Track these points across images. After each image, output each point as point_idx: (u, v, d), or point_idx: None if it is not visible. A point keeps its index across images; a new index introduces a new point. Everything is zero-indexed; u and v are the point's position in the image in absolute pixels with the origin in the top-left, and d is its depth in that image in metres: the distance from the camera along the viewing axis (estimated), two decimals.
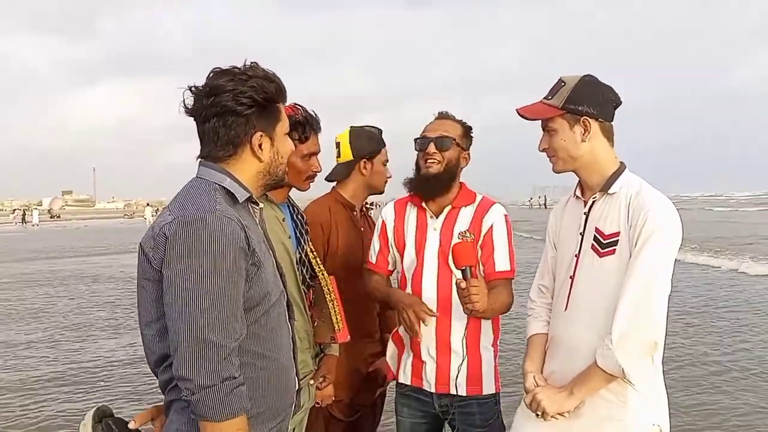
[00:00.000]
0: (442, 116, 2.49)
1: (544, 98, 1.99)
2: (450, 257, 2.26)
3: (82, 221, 64.06)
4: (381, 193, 2.89)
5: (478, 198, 2.48)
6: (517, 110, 2.01)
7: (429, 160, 2.40)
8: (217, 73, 1.60)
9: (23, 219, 56.69)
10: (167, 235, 1.48)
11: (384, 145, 2.83)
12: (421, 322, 2.34)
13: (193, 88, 1.60)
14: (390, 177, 2.84)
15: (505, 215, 2.46)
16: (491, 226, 2.40)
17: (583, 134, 1.94)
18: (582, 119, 1.93)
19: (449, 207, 2.44)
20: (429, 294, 2.39)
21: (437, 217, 2.44)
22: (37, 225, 54.92)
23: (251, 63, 1.62)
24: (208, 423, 1.44)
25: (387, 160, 2.84)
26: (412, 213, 2.51)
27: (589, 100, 1.93)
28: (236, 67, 1.60)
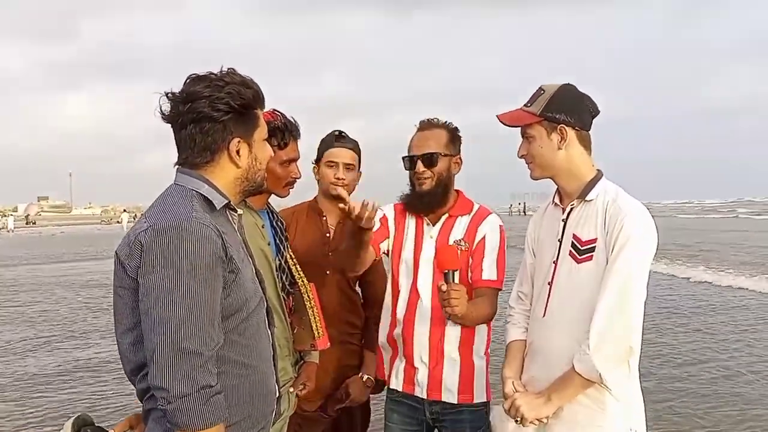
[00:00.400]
0: (424, 126, 2.46)
1: (524, 105, 2.01)
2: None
3: (58, 227, 63.15)
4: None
5: (475, 207, 2.48)
6: (497, 116, 2.03)
7: (420, 179, 2.40)
8: (194, 80, 1.59)
9: None
10: (143, 243, 1.46)
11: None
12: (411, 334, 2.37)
13: (169, 95, 1.59)
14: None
15: (500, 226, 2.46)
16: (484, 236, 2.40)
17: (560, 142, 1.96)
18: (559, 127, 1.95)
19: (446, 215, 2.45)
20: (424, 301, 2.39)
21: (434, 225, 2.45)
22: (12, 231, 53.99)
23: (228, 69, 1.61)
24: None
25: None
26: (411, 219, 2.51)
27: (566, 109, 1.95)
28: (213, 74, 1.59)
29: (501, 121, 2.03)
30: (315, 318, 2.36)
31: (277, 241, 2.39)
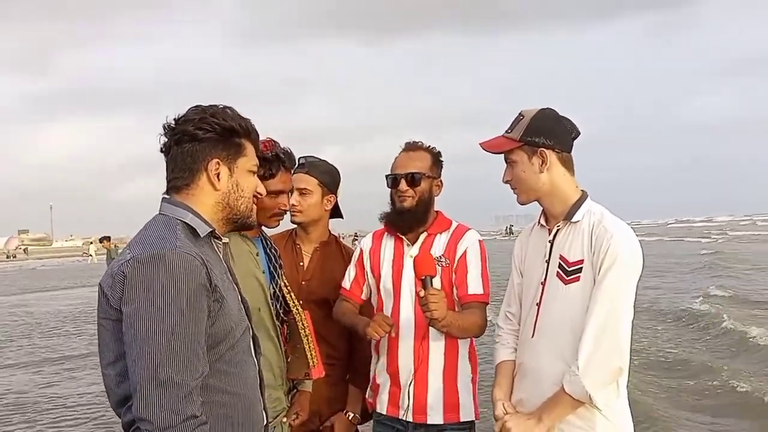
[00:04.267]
0: (410, 147, 2.52)
1: (505, 132, 2.04)
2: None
3: (38, 260, 62.09)
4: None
5: (453, 225, 2.51)
6: (479, 144, 2.07)
7: (402, 196, 2.44)
8: (190, 108, 1.63)
9: None
10: (126, 274, 1.46)
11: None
12: (397, 341, 2.37)
13: (165, 125, 1.62)
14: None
15: (480, 241, 2.49)
16: (465, 251, 2.42)
17: (541, 165, 1.98)
18: (539, 150, 1.97)
19: (425, 234, 2.47)
20: (406, 321, 2.40)
21: (413, 245, 2.47)
22: None
23: (228, 107, 1.65)
24: None
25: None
26: (389, 242, 2.54)
27: (546, 132, 1.98)
28: (213, 105, 1.64)
29: (484, 149, 2.06)
30: (310, 346, 2.34)
31: (272, 269, 2.38)
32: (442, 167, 2.55)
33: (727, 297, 13.00)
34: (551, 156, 1.98)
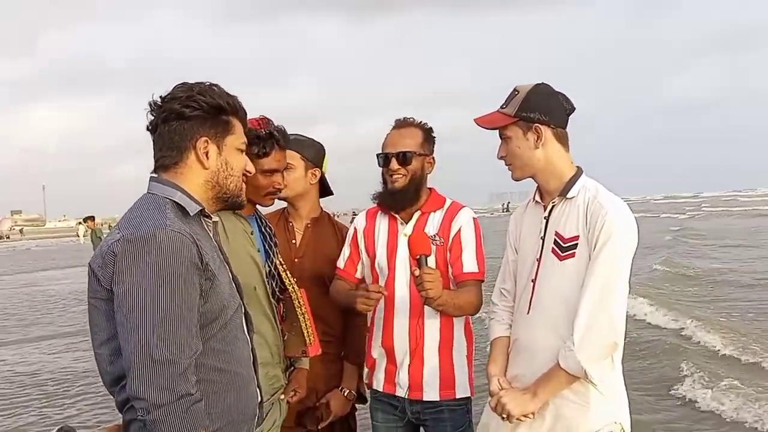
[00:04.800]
0: (400, 124, 2.48)
1: (500, 107, 2.02)
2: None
3: (32, 241, 62.02)
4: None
5: (447, 203, 2.49)
6: (474, 120, 2.05)
7: (394, 176, 2.41)
8: (176, 86, 1.61)
9: None
10: (116, 253, 1.45)
11: None
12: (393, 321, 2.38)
13: (151, 103, 1.60)
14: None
15: (474, 218, 2.47)
16: (459, 229, 2.41)
17: (536, 141, 1.97)
18: (534, 126, 1.96)
19: (418, 213, 2.45)
20: (401, 299, 2.40)
21: (407, 223, 2.45)
22: None
23: (214, 84, 1.63)
24: None
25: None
26: (383, 221, 2.52)
27: (541, 108, 1.96)
28: (198, 82, 1.62)
29: (478, 124, 2.04)
30: (306, 324, 2.34)
31: (266, 247, 2.37)
32: (434, 143, 2.51)
33: (662, 271, 13.49)
34: (546, 132, 1.97)
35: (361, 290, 2.36)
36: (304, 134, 2.72)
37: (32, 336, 9.98)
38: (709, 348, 7.17)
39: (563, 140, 2.01)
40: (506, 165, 2.06)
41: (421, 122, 2.50)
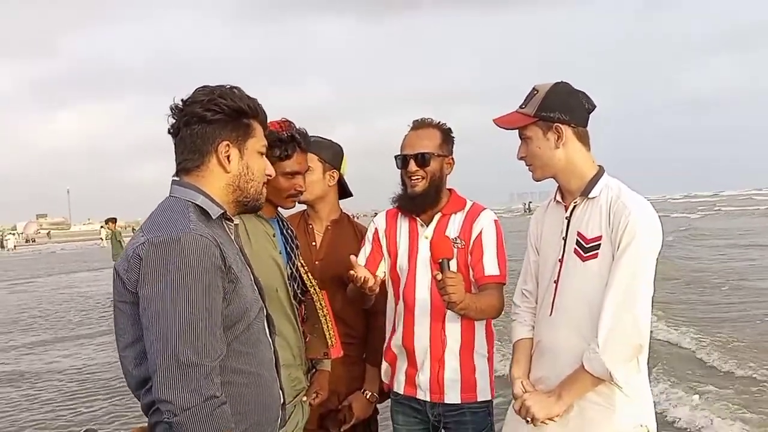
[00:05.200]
0: (418, 125, 2.46)
1: (519, 107, 2.00)
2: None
3: (57, 245, 63.06)
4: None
5: (468, 204, 2.46)
6: (493, 120, 2.03)
7: (413, 178, 2.39)
8: (197, 89, 1.61)
9: (1, 244, 55.58)
10: (141, 257, 1.46)
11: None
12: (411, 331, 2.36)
13: (172, 106, 1.61)
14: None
15: (495, 221, 2.44)
16: (480, 232, 2.38)
17: (557, 140, 1.94)
18: (554, 126, 1.93)
19: (439, 215, 2.43)
20: (422, 302, 2.38)
21: (427, 226, 2.43)
22: (12, 250, 53.90)
23: (235, 87, 1.64)
24: None
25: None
26: (403, 222, 2.50)
27: (561, 107, 1.93)
28: (220, 86, 1.62)
29: (497, 125, 2.02)
30: (328, 326, 2.34)
31: (288, 250, 2.37)
32: (453, 143, 2.48)
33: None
34: (567, 131, 1.94)
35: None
36: (323, 136, 2.71)
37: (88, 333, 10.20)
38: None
39: (584, 139, 1.98)
40: (527, 165, 2.03)
41: (439, 123, 2.47)
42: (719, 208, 52.86)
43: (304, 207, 2.75)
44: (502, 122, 2.02)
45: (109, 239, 16.88)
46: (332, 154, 2.67)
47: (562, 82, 2.00)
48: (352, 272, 2.26)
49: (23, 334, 10.63)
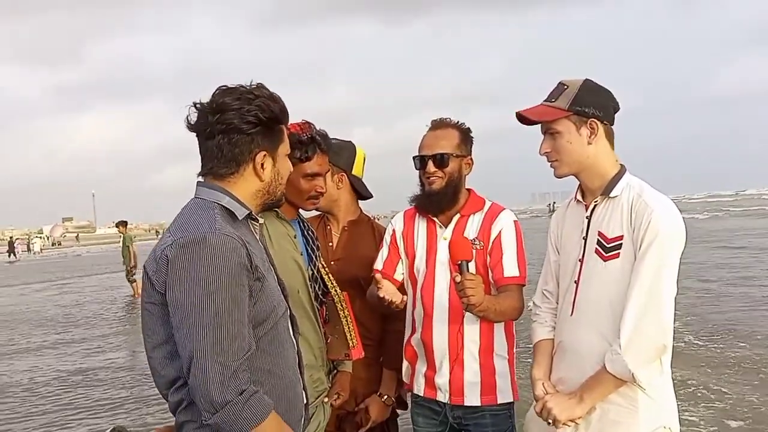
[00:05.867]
0: (436, 125, 2.44)
1: (546, 101, 1.95)
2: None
3: (83, 248, 63.94)
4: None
5: (487, 205, 2.44)
6: (519, 112, 1.97)
7: (431, 178, 2.38)
8: (224, 91, 1.60)
9: (27, 248, 56.29)
10: (169, 257, 1.48)
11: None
12: (431, 330, 2.35)
13: (198, 104, 1.60)
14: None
15: (515, 221, 2.40)
16: (500, 232, 2.35)
17: (590, 136, 1.91)
18: (589, 121, 1.90)
19: (458, 216, 2.41)
20: (440, 303, 2.36)
21: (446, 227, 2.41)
22: (38, 253, 54.76)
23: (257, 83, 1.63)
24: None
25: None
26: (421, 223, 2.49)
27: (594, 103, 1.91)
28: (242, 86, 1.61)
29: (523, 117, 1.96)
30: (349, 327, 2.34)
31: (309, 251, 2.37)
32: (472, 143, 2.46)
33: None
34: (600, 127, 1.91)
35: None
36: (339, 137, 2.68)
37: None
38: None
39: (611, 138, 1.96)
40: (550, 161, 1.98)
41: (458, 123, 2.45)
42: (728, 209, 51.42)
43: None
44: (533, 114, 1.95)
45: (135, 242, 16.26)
46: (341, 157, 2.65)
47: (588, 79, 1.96)
48: (378, 282, 2.26)
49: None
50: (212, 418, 1.43)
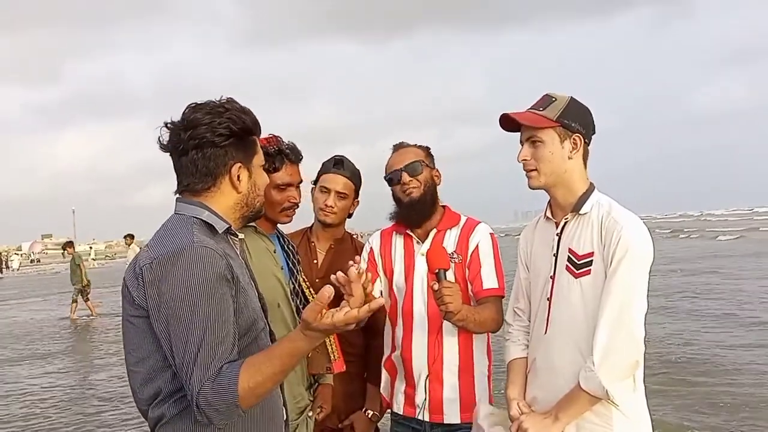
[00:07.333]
0: (398, 147, 2.49)
1: (533, 109, 1.95)
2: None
3: (62, 264, 62.75)
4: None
5: (463, 219, 2.45)
6: (505, 114, 1.95)
7: (407, 189, 2.39)
8: (194, 108, 1.59)
9: (6, 265, 54.97)
10: (147, 271, 1.46)
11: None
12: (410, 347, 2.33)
13: (169, 124, 1.59)
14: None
15: (491, 234, 2.42)
16: (477, 245, 2.36)
17: (572, 151, 1.91)
18: (574, 136, 1.91)
19: (434, 231, 2.42)
20: (420, 318, 2.36)
21: (423, 242, 2.42)
22: (16, 270, 53.63)
23: (227, 98, 1.62)
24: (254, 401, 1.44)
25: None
26: (398, 240, 2.49)
27: (579, 119, 1.92)
28: (212, 101, 1.61)
29: (508, 120, 1.94)
30: (330, 341, 2.31)
31: (290, 265, 2.36)
32: (433, 160, 2.51)
33: None
34: (581, 144, 1.93)
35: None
36: (327, 155, 2.76)
37: None
38: None
39: (586, 157, 1.97)
40: (527, 170, 1.95)
41: (417, 144, 2.51)
42: (705, 230, 48.40)
43: (305, 225, 2.77)
44: (522, 118, 1.93)
45: (99, 260, 15.62)
46: (360, 184, 2.71)
47: (573, 97, 1.98)
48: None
49: None
50: (197, 410, 1.42)
